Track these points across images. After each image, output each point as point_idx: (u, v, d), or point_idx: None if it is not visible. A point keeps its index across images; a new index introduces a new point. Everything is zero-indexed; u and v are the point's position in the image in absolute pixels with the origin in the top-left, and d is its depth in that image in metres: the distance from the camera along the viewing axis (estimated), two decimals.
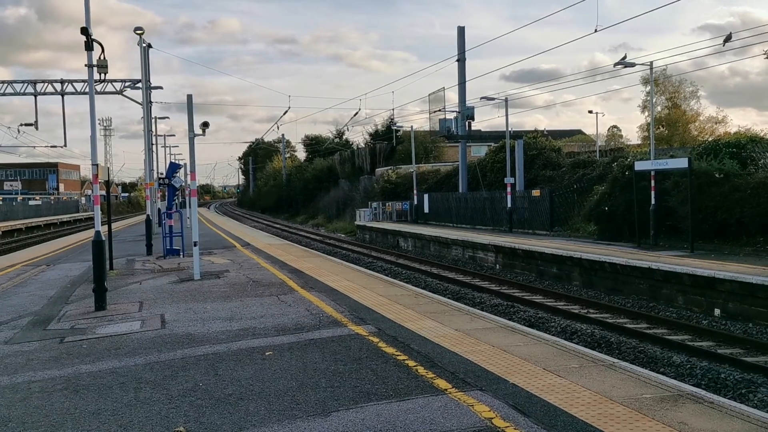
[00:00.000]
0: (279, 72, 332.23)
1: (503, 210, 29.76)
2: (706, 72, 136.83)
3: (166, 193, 23.31)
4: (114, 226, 31.71)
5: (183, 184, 24.88)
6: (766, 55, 23.33)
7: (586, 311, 14.99)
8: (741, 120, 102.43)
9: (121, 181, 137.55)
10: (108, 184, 17.72)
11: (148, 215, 24.75)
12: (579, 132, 70.24)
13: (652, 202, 20.07)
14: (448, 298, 14.67)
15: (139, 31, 30.31)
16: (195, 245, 14.94)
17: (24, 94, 34.46)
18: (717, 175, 18.80)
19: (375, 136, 63.30)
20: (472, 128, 37.85)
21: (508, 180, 29.20)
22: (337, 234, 45.46)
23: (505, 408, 5.52)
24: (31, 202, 74.05)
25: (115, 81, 34.68)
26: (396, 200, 42.69)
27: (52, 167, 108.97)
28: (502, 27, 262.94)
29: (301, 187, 73.84)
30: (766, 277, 13.01)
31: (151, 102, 34.13)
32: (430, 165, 48.13)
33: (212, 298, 11.99)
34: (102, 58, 12.67)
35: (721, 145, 21.25)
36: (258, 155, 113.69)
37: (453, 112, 36.17)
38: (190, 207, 17.06)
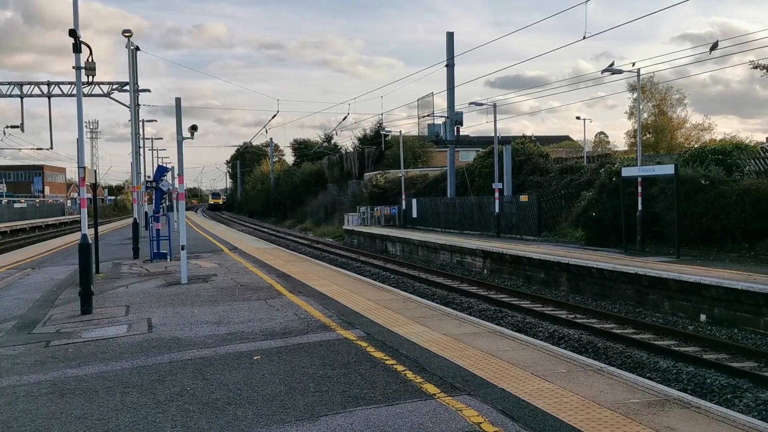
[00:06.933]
0: (265, 76, 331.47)
1: (491, 215, 29.83)
2: (688, 80, 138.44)
3: (154, 197, 23.19)
4: (100, 229, 31.55)
5: (170, 187, 24.77)
6: (751, 65, 23.51)
7: (573, 316, 15.04)
8: (724, 127, 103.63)
9: (108, 184, 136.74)
10: (94, 186, 17.63)
11: (135, 218, 24.60)
12: (566, 138, 70.63)
13: (639, 208, 20.19)
14: (437, 302, 14.68)
15: (127, 34, 30.20)
16: (182, 249, 14.86)
17: (10, 96, 34.18)
18: (703, 182, 18.95)
19: (363, 140, 63.32)
20: (461, 133, 37.95)
21: (496, 185, 29.28)
22: (325, 238, 45.39)
23: (494, 413, 5.54)
24: (16, 205, 73.23)
25: (102, 83, 34.51)
26: (384, 205, 42.69)
27: (38, 170, 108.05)
28: (485, 32, 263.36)
29: (289, 191, 73.64)
30: (750, 283, 13.13)
31: (138, 105, 33.97)
32: (418, 170, 48.19)
33: (200, 302, 11.93)
34: (90, 60, 12.62)
35: (707, 152, 21.42)
36: (246, 159, 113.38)
37: (441, 117, 36.27)
38: (177, 210, 16.98)
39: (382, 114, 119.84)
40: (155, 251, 20.19)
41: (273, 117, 65.82)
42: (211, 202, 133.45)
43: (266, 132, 60.96)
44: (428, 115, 36.83)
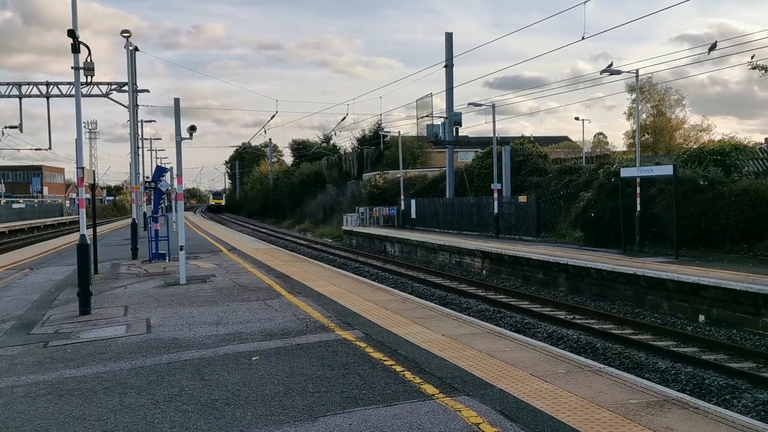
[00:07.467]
0: (264, 77, 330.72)
1: (490, 216, 29.83)
2: (687, 81, 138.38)
3: (152, 197, 23.19)
4: (99, 229, 31.51)
5: (169, 187, 24.76)
6: (750, 65, 23.52)
7: (572, 317, 15.05)
8: (722, 128, 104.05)
9: (107, 185, 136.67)
10: (93, 187, 17.60)
11: (133, 219, 24.59)
12: (565, 138, 70.62)
13: (638, 208, 20.21)
14: (435, 303, 14.66)
15: (125, 34, 30.25)
16: (181, 249, 14.85)
17: (8, 96, 34.18)
18: (701, 183, 18.96)
19: (362, 141, 63.29)
20: (460, 134, 37.95)
21: (495, 186, 29.26)
22: (324, 239, 45.39)
23: (493, 413, 5.53)
24: (14, 206, 73.10)
25: (101, 84, 34.51)
26: (383, 205, 42.69)
27: (37, 170, 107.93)
28: (484, 33, 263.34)
29: (288, 191, 73.62)
30: (749, 284, 13.13)
31: (137, 105, 33.97)
32: (417, 170, 48.19)
33: (198, 302, 11.92)
34: (88, 60, 12.61)
35: (705, 153, 21.43)
36: (245, 159, 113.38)
37: (440, 117, 36.28)
38: (176, 211, 16.98)
39: (381, 114, 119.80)
40: (154, 252, 20.18)
41: (272, 117, 65.77)
42: (212, 202, 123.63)
43: (265, 132, 60.89)
44: (427, 116, 36.85)
